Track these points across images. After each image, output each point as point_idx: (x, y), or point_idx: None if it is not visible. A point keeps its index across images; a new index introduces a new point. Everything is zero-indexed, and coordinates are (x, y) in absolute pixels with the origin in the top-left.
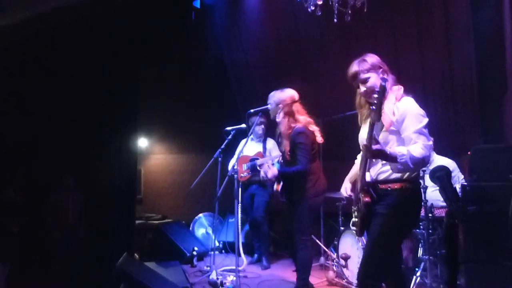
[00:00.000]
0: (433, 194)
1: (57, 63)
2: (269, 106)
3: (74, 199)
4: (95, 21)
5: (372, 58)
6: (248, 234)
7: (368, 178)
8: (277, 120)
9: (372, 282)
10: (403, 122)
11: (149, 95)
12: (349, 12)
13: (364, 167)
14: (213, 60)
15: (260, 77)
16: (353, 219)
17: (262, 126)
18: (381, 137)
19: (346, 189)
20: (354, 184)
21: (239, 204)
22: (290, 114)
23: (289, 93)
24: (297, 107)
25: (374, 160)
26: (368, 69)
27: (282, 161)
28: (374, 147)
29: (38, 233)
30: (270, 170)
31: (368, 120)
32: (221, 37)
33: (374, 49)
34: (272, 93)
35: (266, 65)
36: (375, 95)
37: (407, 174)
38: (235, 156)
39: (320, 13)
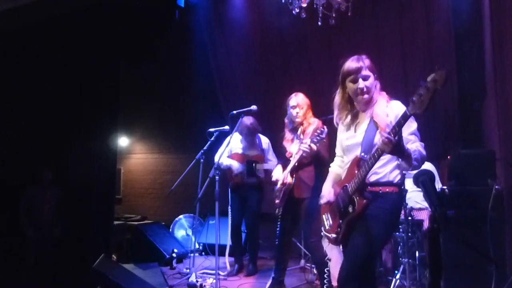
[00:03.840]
0: (411, 195)
1: (37, 60)
2: (297, 113)
3: (50, 198)
4: (76, 19)
5: (369, 60)
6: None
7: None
8: (302, 119)
9: (358, 286)
10: None
11: (130, 94)
12: (333, 15)
13: (368, 168)
14: (196, 60)
15: (244, 78)
16: (328, 227)
17: (252, 125)
18: (376, 139)
19: (330, 192)
20: (335, 189)
21: (229, 207)
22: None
23: (304, 95)
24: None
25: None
26: (370, 67)
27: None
28: (397, 138)
29: (12, 232)
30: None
31: (359, 125)
32: (205, 37)
33: (357, 53)
34: (299, 97)
35: (249, 65)
36: (431, 80)
37: (399, 177)
38: (224, 151)
39: (304, 16)
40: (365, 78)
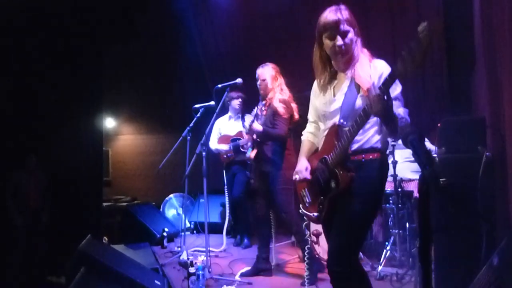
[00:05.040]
0: (401, 166)
1: (19, 40)
2: (258, 84)
3: (36, 182)
4: None
5: (348, 11)
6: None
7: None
8: (264, 92)
9: (353, 268)
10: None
11: (115, 74)
12: None
13: (351, 137)
14: (181, 37)
15: (230, 52)
16: (307, 204)
17: (239, 100)
18: (358, 103)
19: (306, 169)
20: (311, 162)
21: (227, 187)
22: (279, 86)
23: (272, 66)
24: (281, 80)
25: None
26: (349, 21)
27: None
28: (384, 93)
29: None
30: (255, 124)
31: (338, 87)
32: (189, 12)
33: None
34: (261, 69)
35: (235, 40)
36: (422, 31)
37: (382, 141)
38: (214, 135)
39: None
40: (344, 34)
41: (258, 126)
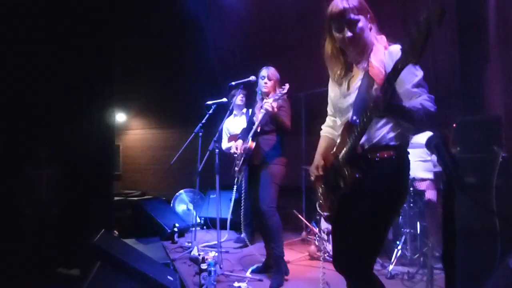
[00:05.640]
0: (413, 165)
1: (31, 38)
2: (265, 83)
3: (48, 175)
4: None
5: None
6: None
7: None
8: (268, 91)
9: (370, 274)
10: None
11: (127, 69)
12: None
13: (359, 135)
14: (192, 33)
15: (240, 49)
16: (322, 202)
17: (242, 96)
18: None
19: (318, 167)
20: (326, 160)
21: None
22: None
23: (274, 69)
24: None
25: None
26: (358, 8)
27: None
28: (387, 94)
29: (10, 209)
30: (273, 102)
31: (353, 80)
32: (201, 9)
33: None
34: (268, 70)
35: (246, 37)
36: (420, 24)
37: (399, 138)
38: (224, 136)
39: None
40: (352, 24)
41: (274, 104)
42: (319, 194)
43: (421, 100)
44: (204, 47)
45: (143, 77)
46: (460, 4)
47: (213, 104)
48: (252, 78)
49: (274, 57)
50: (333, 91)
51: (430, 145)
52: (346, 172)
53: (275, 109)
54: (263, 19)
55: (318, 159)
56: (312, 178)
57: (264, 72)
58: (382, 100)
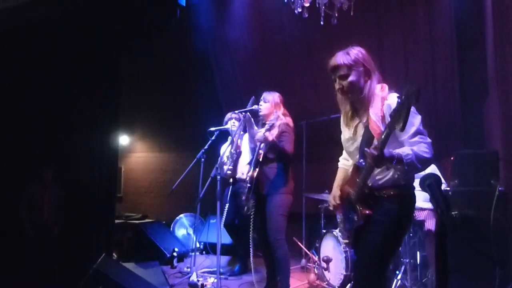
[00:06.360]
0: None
1: (37, 58)
2: (260, 105)
3: (50, 195)
4: (77, 16)
5: (356, 53)
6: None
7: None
8: (264, 114)
9: None
10: None
11: (131, 92)
12: (336, 15)
13: (366, 176)
14: (197, 59)
15: (245, 77)
16: (341, 229)
17: (234, 121)
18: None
19: (335, 197)
20: (343, 191)
21: (226, 205)
22: (283, 114)
23: (278, 95)
24: (283, 110)
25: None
26: (349, 65)
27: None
28: (379, 153)
29: (10, 230)
30: (267, 133)
31: (358, 126)
32: (206, 36)
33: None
34: (267, 93)
35: (251, 64)
36: (402, 100)
37: (405, 179)
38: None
39: (306, 15)
40: (343, 77)
41: (270, 136)
42: (339, 221)
43: (417, 147)
44: (208, 73)
45: (148, 101)
46: (460, 39)
47: (215, 130)
48: (255, 107)
49: (278, 85)
50: (343, 130)
51: (423, 184)
52: (358, 209)
53: (269, 138)
54: (269, 48)
55: (335, 190)
56: (330, 207)
57: (263, 95)
58: (376, 160)
